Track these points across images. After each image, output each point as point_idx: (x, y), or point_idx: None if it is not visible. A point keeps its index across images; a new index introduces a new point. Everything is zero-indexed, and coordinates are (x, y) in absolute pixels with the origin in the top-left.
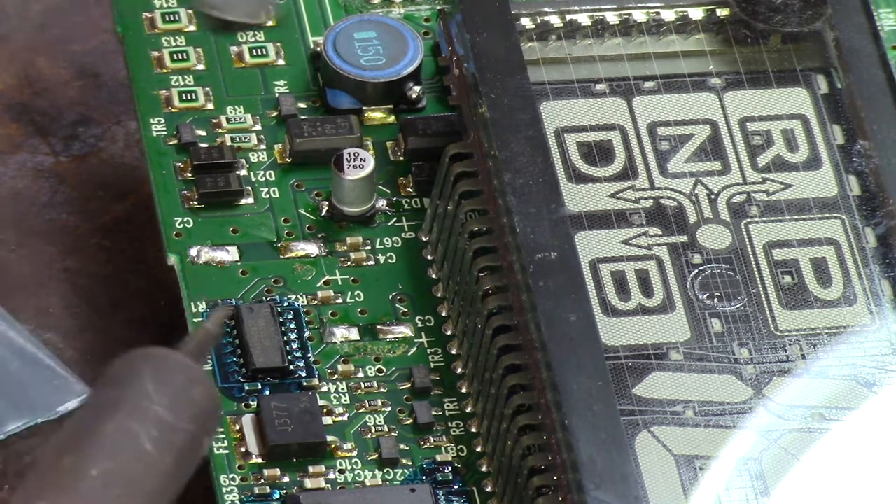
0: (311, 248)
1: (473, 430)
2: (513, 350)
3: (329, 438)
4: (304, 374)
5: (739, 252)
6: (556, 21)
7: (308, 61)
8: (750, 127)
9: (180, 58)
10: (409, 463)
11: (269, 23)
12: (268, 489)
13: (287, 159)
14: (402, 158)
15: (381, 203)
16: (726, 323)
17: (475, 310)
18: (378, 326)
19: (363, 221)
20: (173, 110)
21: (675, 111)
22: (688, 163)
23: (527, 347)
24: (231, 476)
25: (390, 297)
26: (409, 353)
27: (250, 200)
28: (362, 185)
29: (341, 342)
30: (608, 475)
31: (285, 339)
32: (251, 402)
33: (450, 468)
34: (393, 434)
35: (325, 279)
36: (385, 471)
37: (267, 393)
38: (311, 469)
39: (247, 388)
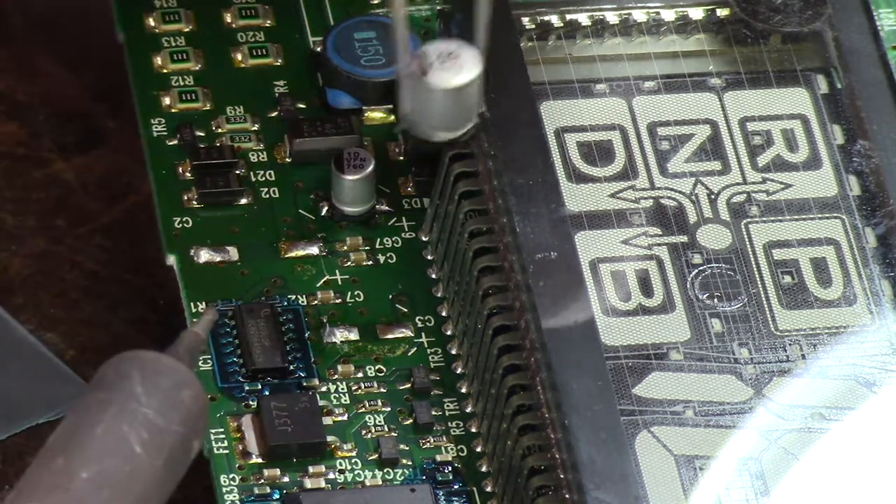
0: (311, 248)
1: (473, 430)
2: (513, 350)
3: (329, 438)
4: (304, 374)
5: (739, 252)
6: (556, 21)
7: (308, 61)
8: (750, 127)
9: (180, 58)
10: (409, 463)
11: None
12: (268, 489)
13: (287, 159)
14: (402, 158)
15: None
16: (726, 323)
17: (475, 310)
18: (378, 326)
19: (363, 221)
20: (173, 110)
21: (675, 111)
22: (688, 163)
23: (527, 347)
24: (231, 476)
25: (390, 297)
26: (409, 353)
27: (250, 200)
28: (362, 185)
29: (341, 342)
30: (608, 475)
31: (285, 339)
32: (251, 402)
33: (450, 468)
34: (393, 434)
35: (325, 279)
36: (385, 471)
37: (267, 393)
38: (311, 469)
39: (247, 388)
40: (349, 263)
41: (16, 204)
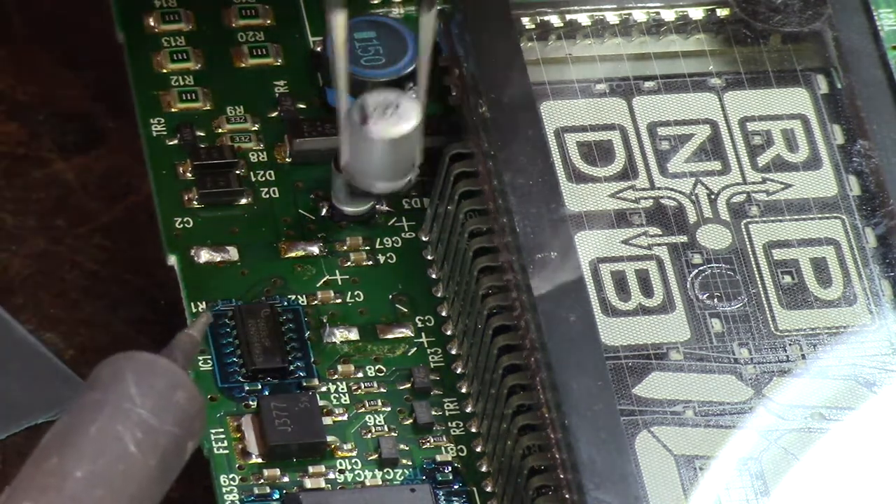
0: (311, 248)
1: (473, 430)
2: (513, 350)
3: (329, 438)
4: (304, 374)
5: (739, 252)
6: (556, 21)
7: (308, 61)
8: (750, 127)
9: (180, 58)
10: (409, 463)
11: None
12: (268, 489)
13: (287, 159)
14: None
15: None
16: (726, 323)
17: (475, 310)
18: (378, 326)
19: (363, 221)
20: (173, 110)
21: (675, 111)
22: (688, 163)
23: (527, 347)
24: (231, 476)
25: (390, 297)
26: (409, 353)
27: (250, 200)
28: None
29: (341, 342)
30: (608, 475)
31: (285, 339)
32: (251, 402)
33: (450, 468)
34: (393, 434)
35: (325, 279)
36: (385, 471)
37: (267, 393)
38: (311, 469)
39: (247, 388)
40: (349, 263)
41: (16, 204)
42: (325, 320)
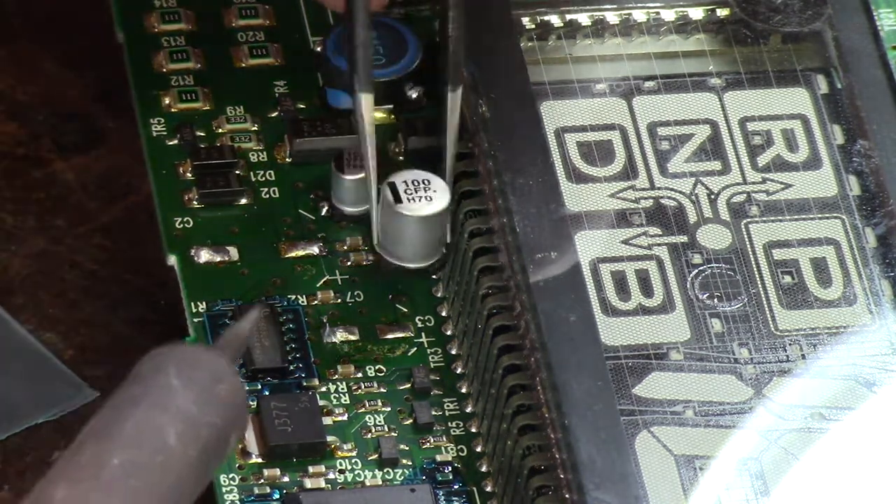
0: (311, 248)
1: (473, 430)
2: (513, 350)
3: (329, 438)
4: (304, 374)
5: (739, 252)
6: (556, 21)
7: (308, 61)
8: (750, 127)
9: (180, 58)
10: (409, 463)
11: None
12: (268, 489)
13: (287, 159)
14: (401, 158)
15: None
16: (726, 323)
17: (475, 310)
18: (378, 326)
19: (363, 221)
20: (173, 110)
21: (675, 111)
22: (688, 163)
23: (527, 347)
24: (231, 476)
25: (390, 297)
26: (409, 353)
27: (250, 200)
28: (362, 185)
29: (341, 342)
30: (608, 475)
31: (285, 339)
32: (251, 402)
33: (450, 468)
34: (393, 434)
35: (325, 279)
36: (385, 471)
37: (267, 393)
38: (311, 469)
39: (247, 388)
40: (349, 263)
41: (16, 204)
42: (325, 320)
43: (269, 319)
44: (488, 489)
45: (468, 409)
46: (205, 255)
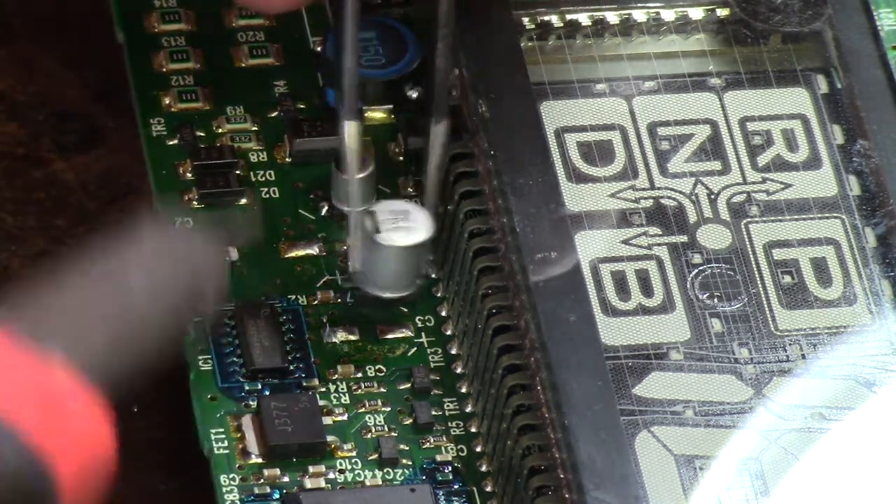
0: (311, 249)
1: (473, 430)
2: (513, 350)
3: (329, 438)
4: (304, 374)
5: (739, 252)
6: (556, 21)
7: (308, 61)
8: (750, 127)
9: (180, 58)
10: (409, 463)
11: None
12: (268, 489)
13: (287, 159)
14: (401, 158)
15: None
16: (726, 323)
17: (475, 310)
18: (378, 326)
19: None
20: (173, 110)
21: (675, 111)
22: (688, 163)
23: (527, 347)
24: (231, 476)
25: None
26: (409, 353)
27: (250, 200)
28: (362, 185)
29: (341, 342)
30: (608, 475)
31: (285, 339)
32: (251, 402)
33: (450, 468)
34: (393, 434)
35: (325, 279)
36: (385, 471)
37: (267, 393)
38: (311, 469)
39: (247, 388)
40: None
41: (16, 204)
42: (325, 320)
43: (268, 319)
44: (488, 489)
45: (468, 409)
46: None
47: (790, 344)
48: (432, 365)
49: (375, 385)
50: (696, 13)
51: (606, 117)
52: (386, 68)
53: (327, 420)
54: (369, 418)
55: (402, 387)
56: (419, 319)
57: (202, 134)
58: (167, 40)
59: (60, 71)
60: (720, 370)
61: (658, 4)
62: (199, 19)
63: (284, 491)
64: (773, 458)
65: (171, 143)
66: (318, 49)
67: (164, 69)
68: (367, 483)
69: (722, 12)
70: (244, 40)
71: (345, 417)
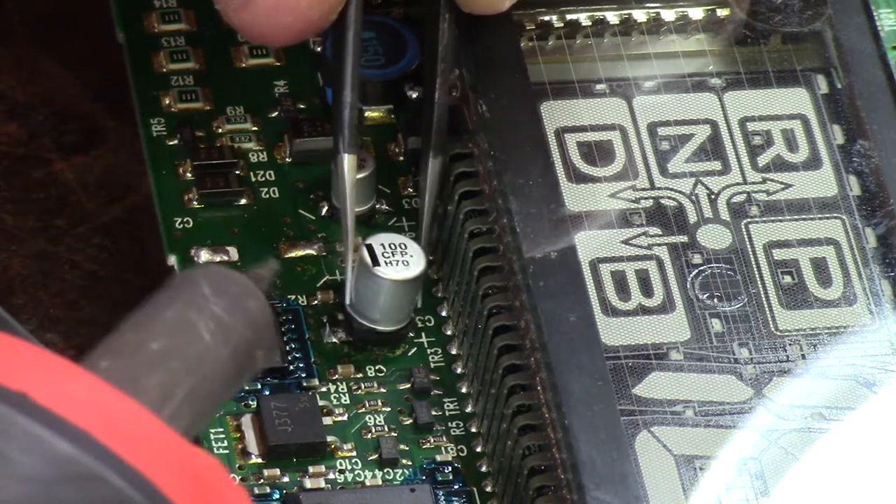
0: (311, 249)
1: (473, 430)
2: (513, 350)
3: (329, 438)
4: (304, 374)
5: (739, 252)
6: (556, 21)
7: (308, 61)
8: (750, 127)
9: (180, 58)
10: (409, 463)
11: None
12: (268, 489)
13: (287, 159)
14: (401, 158)
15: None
16: (726, 323)
17: (475, 310)
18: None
19: (363, 221)
20: (173, 110)
21: (675, 111)
22: (688, 163)
23: (527, 347)
24: (231, 476)
25: None
26: (409, 354)
27: (250, 200)
28: (362, 185)
29: (341, 342)
30: (608, 475)
31: (285, 339)
32: (251, 402)
33: (450, 468)
34: (393, 434)
35: (325, 279)
36: (385, 471)
37: (267, 393)
38: (311, 469)
39: (247, 387)
40: None
41: (16, 204)
42: (325, 320)
43: None
44: (488, 489)
45: (468, 409)
46: (205, 256)
47: (790, 344)
48: (432, 365)
49: (375, 385)
50: (696, 13)
51: (606, 117)
52: (386, 68)
53: (327, 420)
54: (369, 418)
55: (401, 387)
56: (419, 319)
57: (202, 134)
58: (167, 40)
59: (60, 71)
60: (720, 370)
61: (658, 4)
62: (199, 19)
63: (284, 491)
64: (772, 458)
65: (171, 143)
66: (318, 49)
67: (164, 69)
68: (367, 483)
69: (722, 12)
70: (244, 40)
71: (345, 417)
